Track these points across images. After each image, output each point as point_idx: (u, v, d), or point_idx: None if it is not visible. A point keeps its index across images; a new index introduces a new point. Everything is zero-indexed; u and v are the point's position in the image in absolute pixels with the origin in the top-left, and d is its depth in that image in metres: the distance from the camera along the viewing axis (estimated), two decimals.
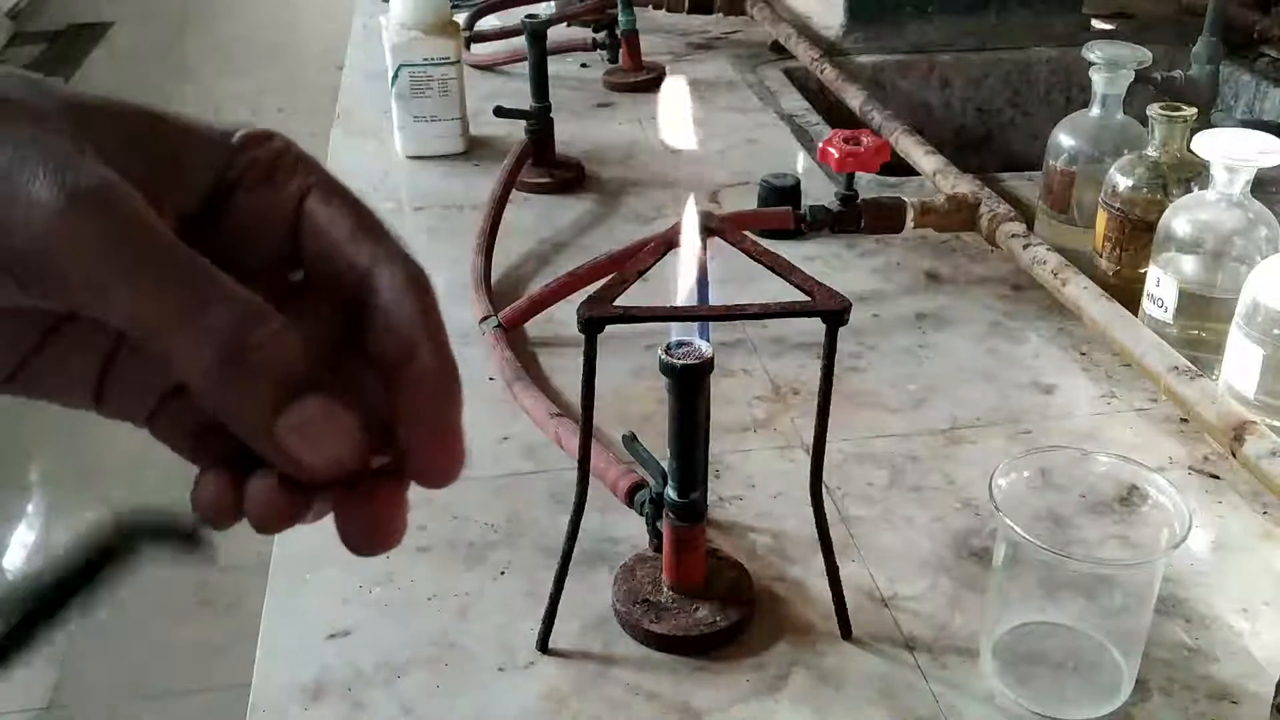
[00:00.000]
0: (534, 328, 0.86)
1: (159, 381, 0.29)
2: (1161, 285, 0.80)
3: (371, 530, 0.28)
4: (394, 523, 0.28)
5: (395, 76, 1.13)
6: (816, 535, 0.57)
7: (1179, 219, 0.80)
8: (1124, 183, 0.87)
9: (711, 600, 0.60)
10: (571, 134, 1.17)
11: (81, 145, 0.24)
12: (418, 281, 0.28)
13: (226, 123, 0.28)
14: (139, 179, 0.25)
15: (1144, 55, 0.97)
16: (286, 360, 0.25)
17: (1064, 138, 0.98)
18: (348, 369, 0.28)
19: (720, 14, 1.62)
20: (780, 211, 0.98)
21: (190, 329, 0.24)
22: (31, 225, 0.23)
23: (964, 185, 1.00)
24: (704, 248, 0.53)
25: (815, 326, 0.52)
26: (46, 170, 0.23)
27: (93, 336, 0.29)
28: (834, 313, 0.52)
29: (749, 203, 1.03)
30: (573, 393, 0.77)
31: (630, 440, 0.63)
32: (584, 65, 1.43)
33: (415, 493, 0.74)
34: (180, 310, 0.24)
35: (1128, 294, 0.84)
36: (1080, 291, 0.83)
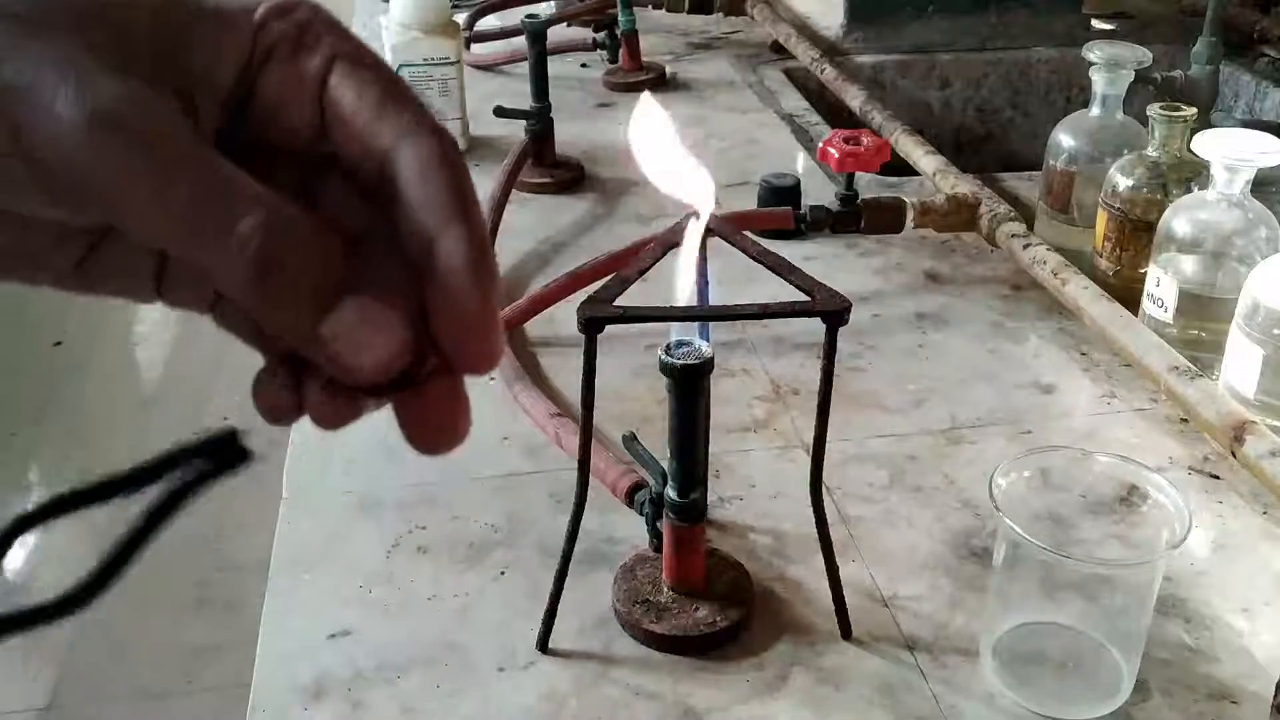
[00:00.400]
0: (534, 328, 0.86)
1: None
2: (1161, 285, 0.80)
3: (432, 429, 0.27)
4: (454, 419, 0.27)
5: None
6: (816, 535, 0.57)
7: (1179, 219, 0.80)
8: (1124, 183, 0.87)
9: (711, 600, 0.60)
10: (571, 134, 1.17)
11: (98, 54, 0.23)
12: (444, 158, 0.26)
13: None
14: (159, 78, 0.24)
15: (1144, 55, 0.97)
16: (320, 266, 0.24)
17: (1064, 138, 0.98)
18: (390, 260, 0.27)
19: (720, 14, 1.62)
20: (780, 211, 0.98)
21: (221, 246, 0.23)
22: (58, 143, 0.23)
23: (964, 185, 1.00)
24: (703, 248, 0.53)
25: (815, 326, 0.52)
26: (65, 86, 0.23)
27: None
28: (834, 313, 0.52)
29: (749, 203, 1.03)
30: (573, 393, 0.77)
31: (630, 440, 0.63)
32: (584, 65, 1.43)
33: (415, 492, 0.74)
34: (208, 228, 0.23)
35: (1128, 294, 0.84)
36: (1080, 291, 0.83)
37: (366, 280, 0.25)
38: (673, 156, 0.50)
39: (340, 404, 0.26)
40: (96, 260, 0.28)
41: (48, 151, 0.23)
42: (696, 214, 0.50)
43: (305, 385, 0.26)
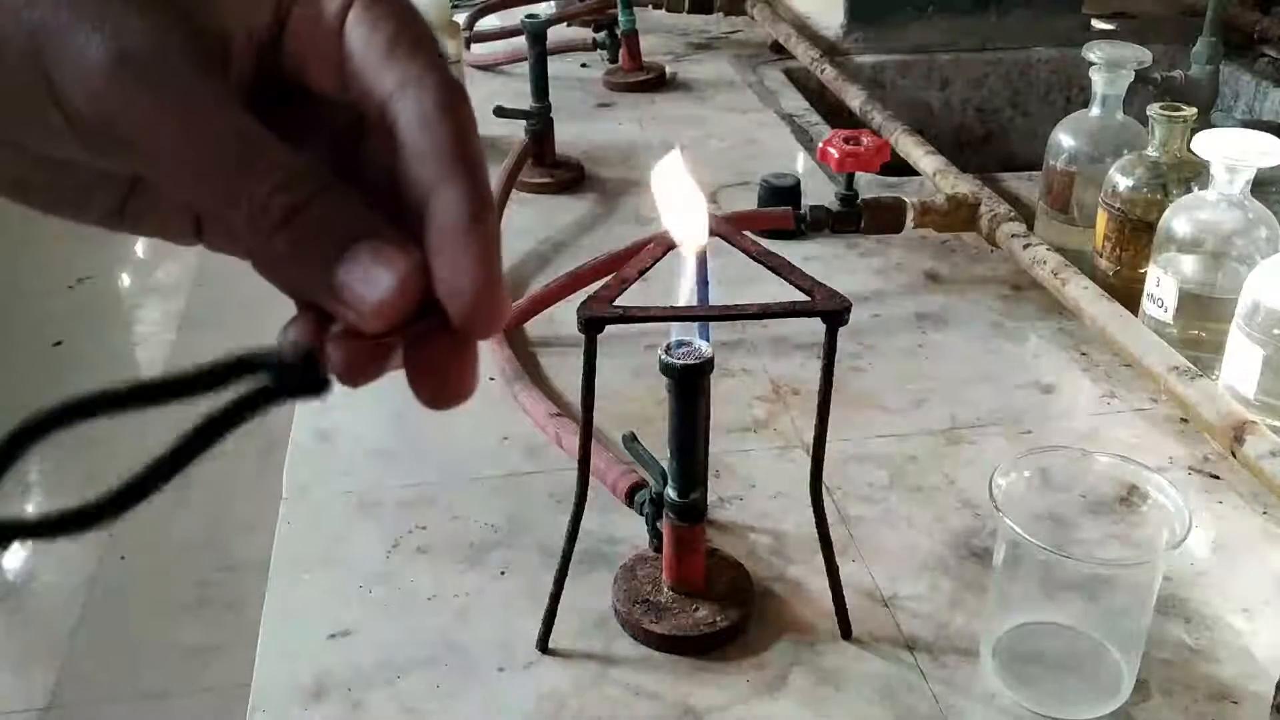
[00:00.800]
0: (534, 328, 0.86)
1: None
2: (1161, 285, 0.80)
3: (437, 382, 0.26)
4: (460, 374, 0.27)
5: None
6: (816, 535, 0.57)
7: (1179, 219, 0.80)
8: (1124, 183, 0.87)
9: (711, 600, 0.60)
10: (571, 134, 1.17)
11: None
12: (447, 107, 0.25)
13: None
14: (192, 19, 0.24)
15: (1144, 55, 0.97)
16: (336, 226, 0.24)
17: (1064, 138, 0.98)
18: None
19: (720, 14, 1.62)
20: (780, 211, 0.98)
21: (236, 205, 0.23)
22: (84, 86, 0.22)
23: (964, 185, 1.00)
24: (704, 247, 0.53)
25: (815, 326, 0.52)
26: (93, 28, 0.22)
27: None
28: (834, 313, 0.51)
29: (749, 203, 1.03)
30: (573, 393, 0.77)
31: (630, 440, 0.63)
32: (584, 65, 1.43)
33: (415, 492, 0.74)
34: (225, 185, 0.23)
35: (1128, 294, 0.84)
36: (1080, 291, 0.83)
37: (378, 229, 0.24)
38: (682, 200, 0.51)
39: (357, 354, 0.25)
40: (137, 202, 0.28)
41: (75, 95, 0.22)
42: (673, 244, 0.51)
43: (327, 337, 0.25)
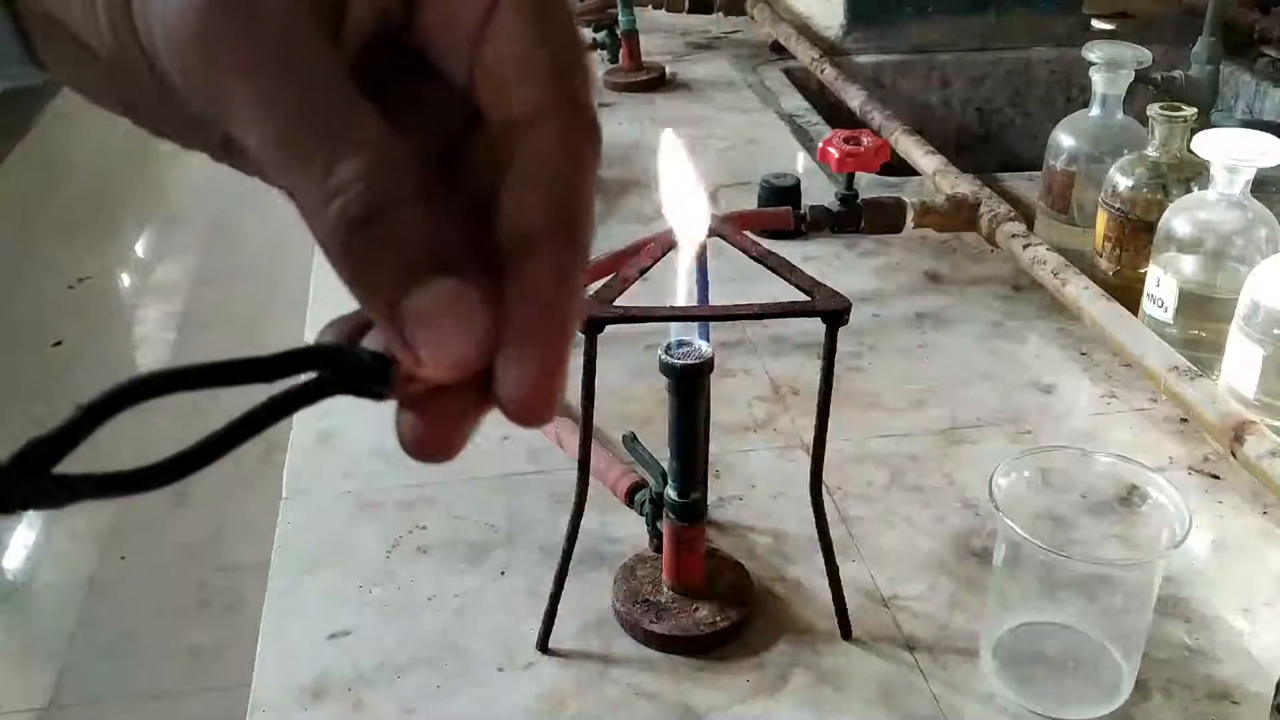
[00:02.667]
0: None
1: None
2: (1162, 285, 0.80)
3: (435, 434, 0.23)
4: (461, 435, 0.23)
5: None
6: (816, 535, 0.57)
7: (1179, 219, 0.80)
8: (1124, 183, 0.87)
9: (711, 600, 0.60)
10: None
11: None
12: (574, 157, 0.22)
13: None
14: None
15: (1144, 55, 0.97)
16: (420, 237, 0.20)
17: (1064, 138, 0.98)
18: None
19: (720, 14, 1.62)
20: (780, 211, 0.98)
21: (313, 178, 0.20)
22: (167, 18, 0.20)
23: (964, 185, 1.00)
24: (703, 248, 0.53)
25: (815, 326, 0.52)
26: None
27: None
28: (834, 313, 0.51)
29: (749, 203, 1.03)
30: (573, 393, 0.77)
31: (630, 440, 0.63)
32: None
33: (415, 492, 0.74)
34: (304, 154, 0.20)
35: (1128, 294, 0.84)
36: (1080, 291, 0.83)
37: (464, 263, 0.21)
38: (682, 188, 0.50)
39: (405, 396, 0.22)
40: (234, 145, 0.26)
41: (159, 24, 0.20)
42: (675, 244, 0.51)
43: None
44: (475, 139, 0.23)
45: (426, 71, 0.23)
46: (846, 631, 0.59)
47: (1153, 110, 0.86)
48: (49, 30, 0.24)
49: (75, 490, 0.19)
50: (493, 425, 0.22)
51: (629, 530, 0.65)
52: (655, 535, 0.61)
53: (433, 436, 0.23)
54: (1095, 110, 0.97)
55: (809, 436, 0.56)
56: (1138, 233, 0.86)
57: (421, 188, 0.20)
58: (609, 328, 0.52)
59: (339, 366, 0.21)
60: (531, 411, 0.22)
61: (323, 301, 0.89)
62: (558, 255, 0.22)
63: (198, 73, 0.20)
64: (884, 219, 0.97)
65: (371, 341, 0.22)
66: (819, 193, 1.03)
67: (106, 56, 0.22)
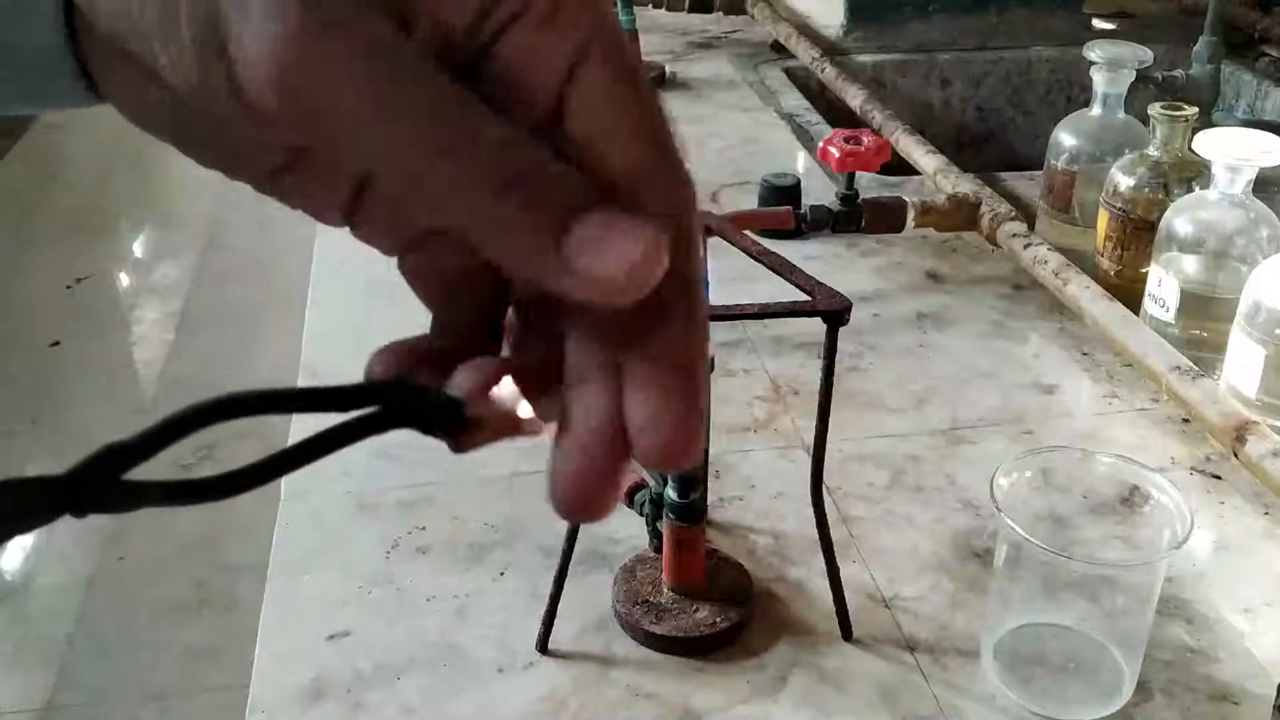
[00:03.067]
0: None
1: (419, 219, 0.25)
2: (1163, 285, 0.80)
3: (586, 486, 0.23)
4: (615, 486, 0.23)
5: None
6: (817, 536, 0.57)
7: (1180, 219, 0.80)
8: (1125, 182, 0.87)
9: (711, 601, 0.59)
10: None
11: None
12: (676, 225, 0.22)
13: None
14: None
15: (1145, 55, 0.97)
16: (567, 190, 0.21)
17: (1065, 137, 0.98)
18: None
19: (720, 13, 1.62)
20: (781, 211, 0.97)
21: (458, 159, 0.20)
22: (259, 44, 0.20)
23: (965, 185, 1.00)
24: (703, 247, 0.53)
25: (816, 326, 0.52)
26: None
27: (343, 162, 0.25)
28: (834, 313, 0.51)
29: (749, 202, 1.02)
30: None
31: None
32: None
33: (414, 493, 0.73)
34: (441, 140, 0.20)
35: (1129, 294, 0.84)
36: (1081, 291, 0.83)
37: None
38: None
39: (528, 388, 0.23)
40: (292, 175, 0.26)
41: (250, 51, 0.20)
42: None
43: (456, 376, 0.23)
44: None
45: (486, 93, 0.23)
46: (847, 632, 0.59)
47: (1154, 110, 0.86)
48: (113, 60, 0.24)
49: (143, 497, 0.19)
50: None
51: (629, 531, 0.65)
52: (655, 536, 0.61)
53: (589, 488, 0.23)
54: (1096, 109, 0.97)
55: (809, 436, 0.56)
56: (1139, 232, 0.86)
57: (550, 156, 0.21)
58: None
59: (414, 404, 0.22)
60: (676, 451, 0.22)
61: (321, 302, 0.89)
62: (684, 317, 0.22)
63: (293, 100, 0.20)
64: (884, 218, 0.97)
65: (427, 376, 0.23)
66: (819, 192, 1.03)
67: (185, 92, 0.22)
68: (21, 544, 2.00)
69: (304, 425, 0.21)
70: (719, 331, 0.67)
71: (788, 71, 1.42)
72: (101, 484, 0.19)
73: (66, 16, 0.23)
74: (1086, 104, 0.99)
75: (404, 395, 0.22)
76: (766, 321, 0.85)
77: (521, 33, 0.22)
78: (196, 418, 0.20)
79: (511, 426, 0.22)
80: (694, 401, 0.22)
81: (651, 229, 0.21)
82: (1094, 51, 0.96)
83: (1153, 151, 0.86)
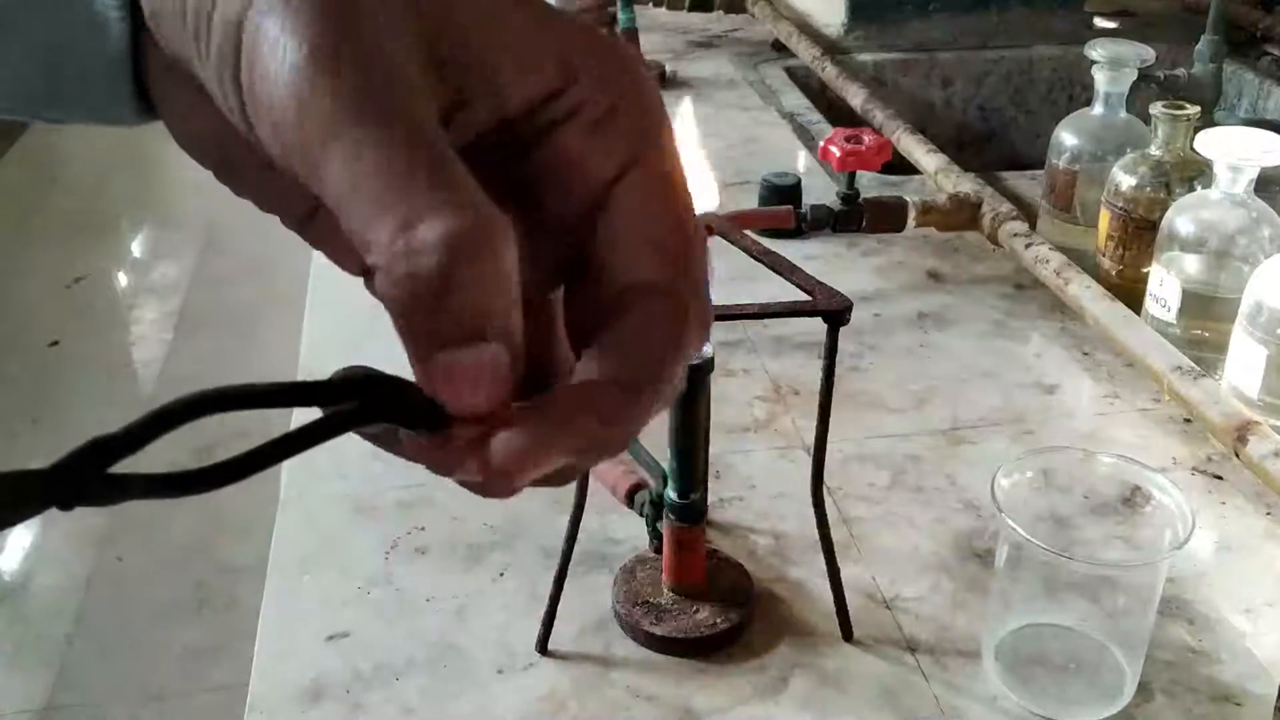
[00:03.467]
0: None
1: None
2: (1164, 285, 0.80)
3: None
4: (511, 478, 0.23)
5: None
6: (817, 536, 0.57)
7: (1182, 218, 0.79)
8: (1127, 181, 0.86)
9: (712, 602, 0.59)
10: None
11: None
12: (673, 335, 0.23)
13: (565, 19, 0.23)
14: (416, 66, 0.21)
15: (1146, 54, 0.96)
16: (486, 308, 0.20)
17: (1066, 136, 0.98)
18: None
19: (721, 12, 1.62)
20: (781, 210, 0.97)
21: (384, 235, 0.19)
22: (269, 76, 0.20)
23: (966, 184, 1.00)
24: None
25: (816, 326, 0.52)
26: (290, 17, 0.20)
27: None
28: (835, 312, 0.51)
29: (749, 202, 1.02)
30: None
31: (630, 440, 0.62)
32: None
33: (413, 493, 0.73)
34: (383, 205, 0.19)
35: (1131, 293, 0.84)
36: (1083, 291, 0.83)
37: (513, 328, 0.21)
38: None
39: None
40: (320, 219, 0.26)
41: (263, 79, 0.20)
42: None
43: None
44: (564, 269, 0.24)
45: (532, 194, 0.23)
46: (848, 633, 0.59)
47: (1155, 109, 0.85)
48: (172, 83, 0.24)
49: (127, 490, 0.19)
50: None
51: (629, 531, 0.65)
52: (655, 536, 0.61)
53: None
54: (1098, 109, 0.97)
55: (809, 437, 0.55)
56: (1140, 232, 0.86)
57: (498, 255, 0.20)
58: None
59: (395, 398, 0.22)
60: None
61: (320, 303, 0.89)
62: (627, 403, 0.22)
63: (292, 128, 0.20)
64: (885, 218, 0.96)
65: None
66: (820, 192, 1.02)
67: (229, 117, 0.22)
68: (21, 544, 2.00)
69: (303, 422, 0.21)
70: (719, 331, 0.67)
71: (788, 70, 1.42)
72: (87, 477, 0.19)
73: (133, 37, 0.23)
74: (1088, 103, 0.98)
75: (385, 390, 0.22)
76: (767, 321, 0.84)
77: (573, 132, 0.22)
78: (182, 412, 0.20)
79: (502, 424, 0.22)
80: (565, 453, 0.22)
81: (508, 380, 0.21)
82: (1096, 50, 0.96)
83: (1154, 151, 0.86)
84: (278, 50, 0.20)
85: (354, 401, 0.21)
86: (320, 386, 0.21)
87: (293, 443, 0.21)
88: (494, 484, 0.22)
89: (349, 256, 0.26)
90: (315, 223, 0.26)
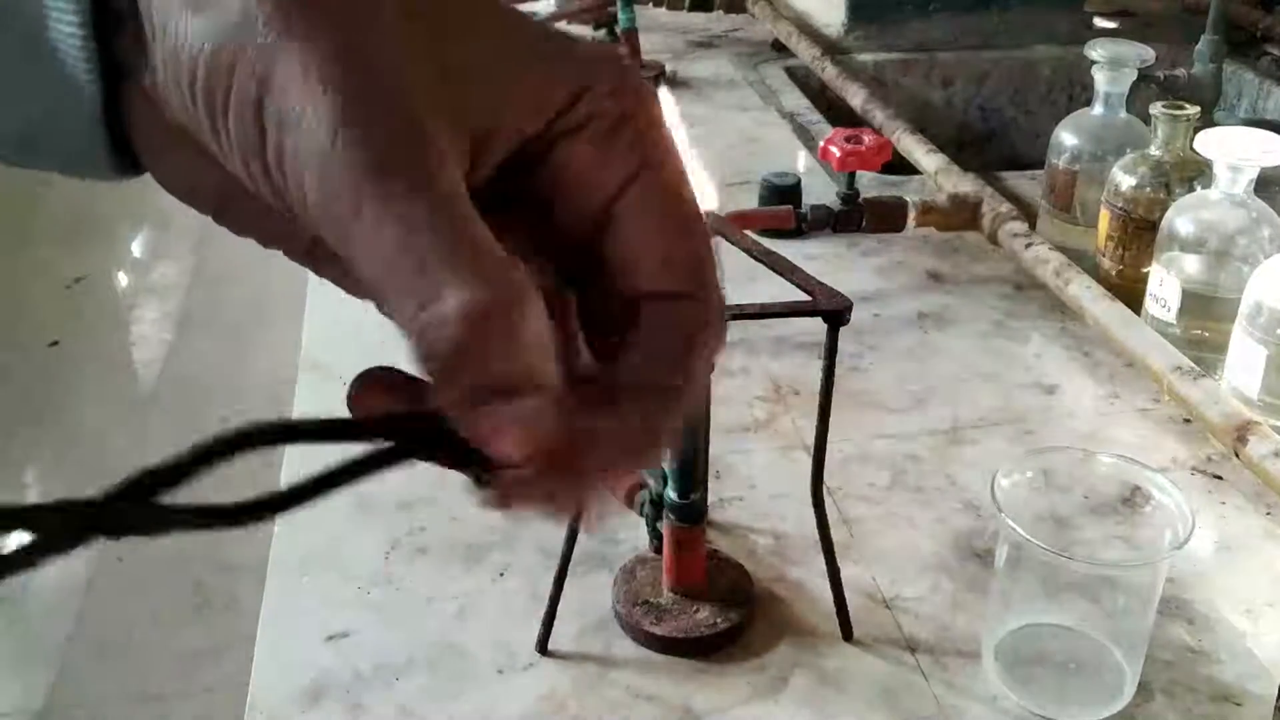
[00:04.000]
0: None
1: None
2: (1164, 285, 0.80)
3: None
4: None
5: None
6: (817, 536, 0.57)
7: (1182, 218, 0.79)
8: (1127, 182, 0.86)
9: (712, 602, 0.59)
10: None
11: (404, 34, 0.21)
12: (690, 340, 0.23)
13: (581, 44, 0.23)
14: (431, 94, 0.21)
15: (1146, 54, 0.96)
16: (513, 370, 0.20)
17: (1066, 136, 0.98)
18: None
19: (721, 12, 1.62)
20: (781, 210, 0.97)
21: (409, 309, 0.20)
22: (309, 163, 0.20)
23: (966, 184, 1.00)
24: None
25: (816, 326, 0.52)
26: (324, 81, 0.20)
27: None
28: (835, 312, 0.51)
29: (750, 201, 1.02)
30: None
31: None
32: None
33: (415, 492, 0.73)
34: (408, 281, 0.20)
35: (1130, 294, 0.84)
36: (1083, 291, 0.83)
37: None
38: None
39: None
40: (323, 250, 0.25)
41: (291, 157, 0.20)
42: None
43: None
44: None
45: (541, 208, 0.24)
46: (848, 633, 0.59)
47: (1155, 109, 0.85)
48: (170, 144, 0.24)
49: (175, 520, 0.20)
50: None
51: (629, 532, 0.65)
52: (655, 536, 0.61)
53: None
54: (1098, 109, 0.97)
55: (809, 437, 0.55)
56: (1140, 232, 0.86)
57: (531, 321, 0.20)
58: None
59: (441, 440, 0.22)
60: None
61: (319, 305, 0.88)
62: (653, 408, 0.23)
63: (316, 206, 0.20)
64: (885, 218, 0.96)
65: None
66: (820, 192, 1.02)
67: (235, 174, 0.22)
68: (20, 544, 2.00)
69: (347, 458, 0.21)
70: None
71: (788, 70, 1.42)
72: (134, 507, 0.19)
73: (109, 96, 0.23)
74: (1088, 103, 0.98)
75: (426, 429, 0.22)
76: (767, 321, 0.84)
77: (581, 144, 0.23)
78: (225, 447, 0.20)
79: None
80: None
81: (556, 430, 0.21)
82: (1096, 50, 0.96)
83: (1154, 151, 0.86)
84: (302, 130, 0.20)
85: (392, 441, 0.22)
86: (363, 424, 0.22)
87: (335, 479, 0.22)
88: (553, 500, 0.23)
89: (357, 285, 0.26)
90: (318, 253, 0.26)
